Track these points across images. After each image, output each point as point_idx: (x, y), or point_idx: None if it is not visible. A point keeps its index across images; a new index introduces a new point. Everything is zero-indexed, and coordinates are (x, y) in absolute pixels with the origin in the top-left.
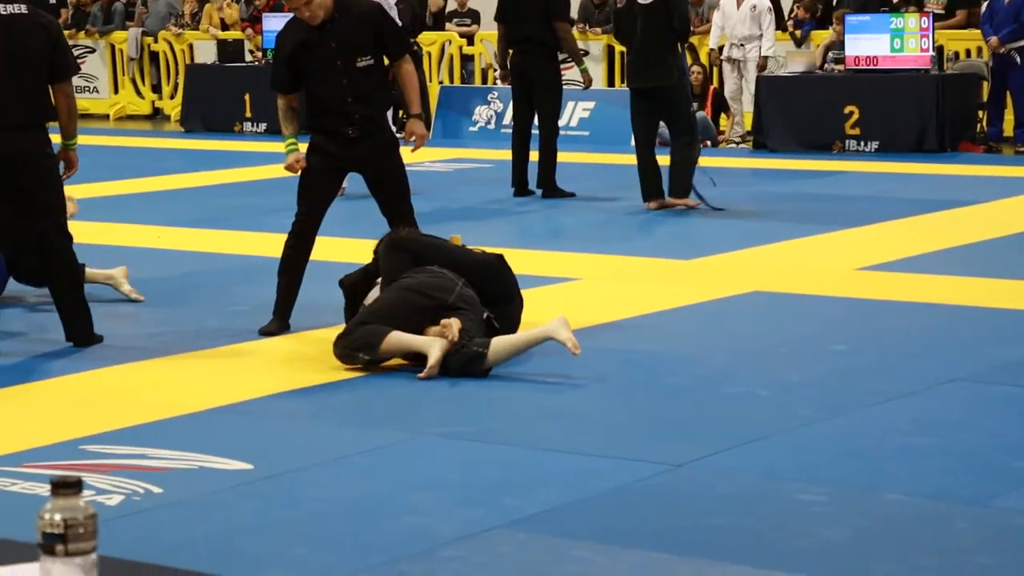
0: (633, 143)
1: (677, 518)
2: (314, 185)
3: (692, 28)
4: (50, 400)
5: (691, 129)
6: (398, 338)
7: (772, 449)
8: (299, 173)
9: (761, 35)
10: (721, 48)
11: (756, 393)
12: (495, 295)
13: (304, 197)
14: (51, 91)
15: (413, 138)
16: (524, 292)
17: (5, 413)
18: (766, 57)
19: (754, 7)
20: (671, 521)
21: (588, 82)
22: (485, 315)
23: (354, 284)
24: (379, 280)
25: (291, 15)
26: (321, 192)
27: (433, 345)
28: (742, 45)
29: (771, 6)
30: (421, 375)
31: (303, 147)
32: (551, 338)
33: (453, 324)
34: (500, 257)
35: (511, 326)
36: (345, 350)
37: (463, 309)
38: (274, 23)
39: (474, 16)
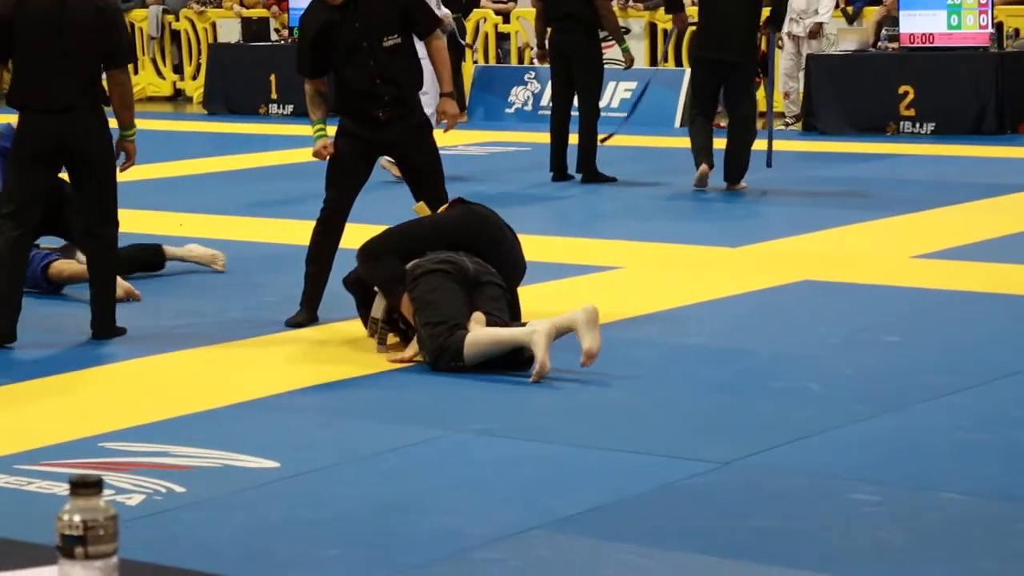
0: (688, 118)
1: (723, 518)
2: (343, 170)
3: None
4: (69, 395)
5: (754, 110)
6: (482, 337)
7: (823, 446)
8: (327, 159)
9: (817, 6)
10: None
11: (806, 387)
12: (482, 244)
13: (332, 183)
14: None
15: (445, 119)
16: (563, 282)
17: (22, 409)
18: (820, 24)
19: None
20: (717, 521)
21: (630, 62)
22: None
23: (359, 279)
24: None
25: None
26: (350, 177)
27: (534, 336)
28: (800, 19)
29: None
30: (534, 378)
31: (332, 131)
32: (572, 330)
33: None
34: (464, 205)
35: (512, 270)
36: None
37: (491, 282)
38: (300, 0)
39: None
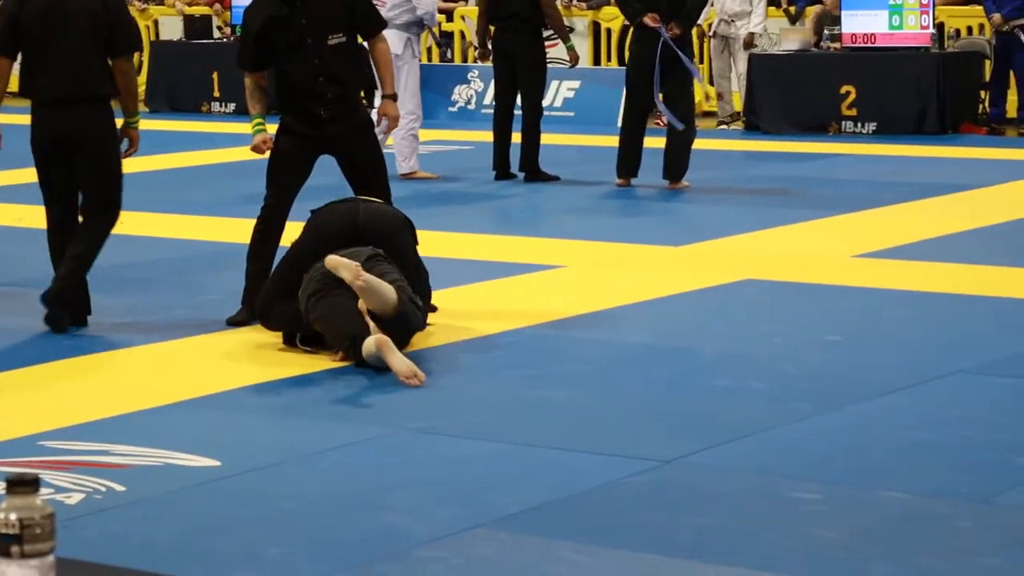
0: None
1: (665, 517)
2: (284, 168)
3: None
4: (7, 393)
5: (692, 109)
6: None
7: (765, 445)
8: (267, 155)
9: (751, 11)
10: (710, 26)
11: (749, 386)
12: (345, 234)
13: (273, 181)
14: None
15: (385, 120)
16: (505, 280)
17: None
18: (753, 34)
19: None
20: (659, 520)
21: (575, 60)
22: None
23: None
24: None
25: None
26: (291, 175)
27: (381, 352)
28: (732, 21)
29: None
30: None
31: (272, 128)
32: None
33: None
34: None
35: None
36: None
37: (373, 259)
38: None
39: None
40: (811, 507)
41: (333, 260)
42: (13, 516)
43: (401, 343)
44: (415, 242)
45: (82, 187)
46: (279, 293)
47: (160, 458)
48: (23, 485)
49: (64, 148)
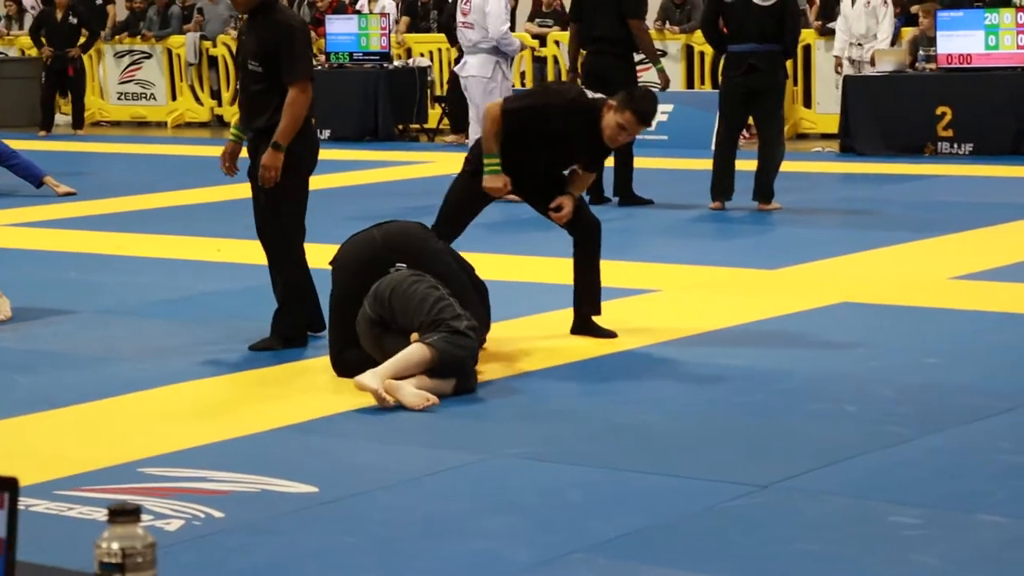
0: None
1: (763, 542)
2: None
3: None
4: (108, 421)
5: (781, 130)
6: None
7: (862, 469)
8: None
9: (877, 33)
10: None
11: (845, 410)
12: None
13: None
14: None
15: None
16: (600, 304)
17: (62, 434)
18: (879, 50)
19: (868, 2)
20: (756, 545)
21: (666, 83)
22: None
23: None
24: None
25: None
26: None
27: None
28: (860, 44)
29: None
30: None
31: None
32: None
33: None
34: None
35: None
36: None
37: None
38: (338, 25)
39: (557, 17)
40: (910, 532)
41: (358, 384)
42: (116, 545)
43: (464, 383)
44: (452, 255)
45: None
46: (342, 343)
47: (258, 484)
48: (125, 515)
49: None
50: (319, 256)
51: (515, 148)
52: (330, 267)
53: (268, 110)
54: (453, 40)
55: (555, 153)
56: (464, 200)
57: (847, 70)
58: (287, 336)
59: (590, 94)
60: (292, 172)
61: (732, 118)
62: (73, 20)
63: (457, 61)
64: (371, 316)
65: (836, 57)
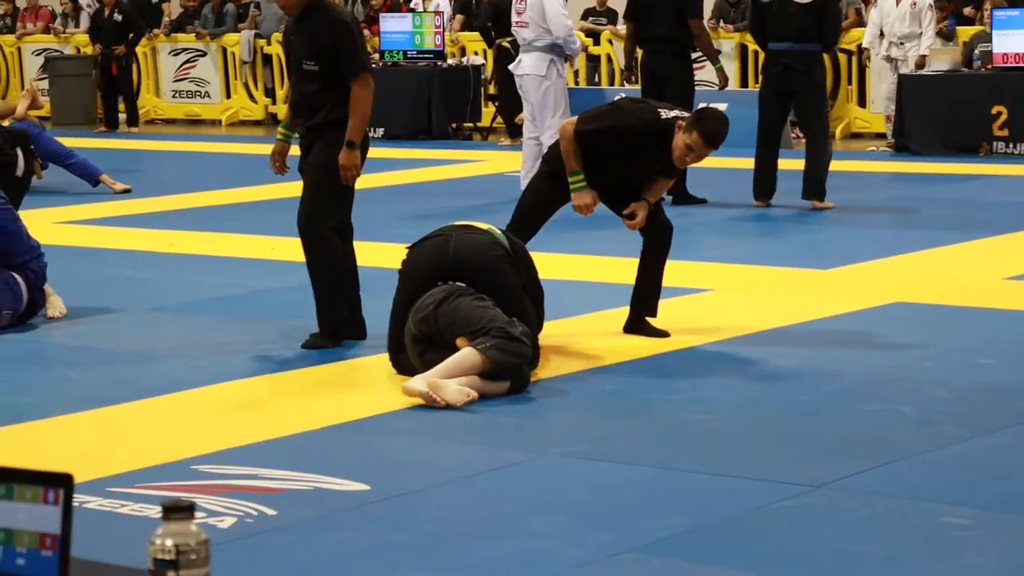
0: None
1: (815, 542)
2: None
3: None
4: (161, 418)
5: (826, 128)
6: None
7: (915, 469)
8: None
9: (921, 33)
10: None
11: (899, 410)
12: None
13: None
14: None
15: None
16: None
17: (115, 431)
18: (924, 56)
19: (914, 3)
20: (808, 545)
21: (724, 82)
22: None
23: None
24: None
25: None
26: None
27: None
28: (901, 44)
29: (932, 3)
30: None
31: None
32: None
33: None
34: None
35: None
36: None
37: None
38: (392, 23)
39: (611, 16)
40: (962, 532)
41: (406, 390)
42: (169, 542)
43: (519, 384)
44: (517, 270)
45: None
46: (399, 344)
47: (310, 482)
48: (178, 511)
49: None
50: (373, 255)
51: (589, 166)
52: (400, 267)
53: (325, 107)
54: (490, 41)
55: (628, 170)
56: (539, 200)
57: (886, 71)
58: (332, 331)
59: (664, 113)
60: (336, 169)
61: (771, 117)
62: (118, 17)
63: (497, 60)
64: (414, 333)
65: (865, 49)
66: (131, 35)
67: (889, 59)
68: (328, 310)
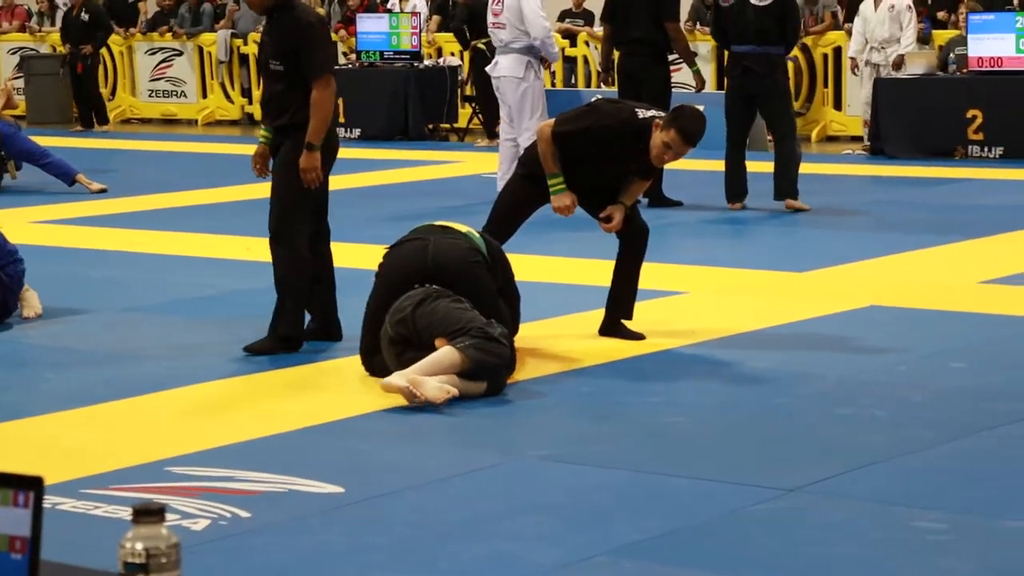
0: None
1: (789, 545)
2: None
3: (807, 29)
4: (135, 419)
5: (793, 127)
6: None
7: (889, 473)
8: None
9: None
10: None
11: (873, 414)
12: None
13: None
14: None
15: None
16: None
17: (89, 432)
18: (903, 56)
19: (892, 7)
20: (783, 549)
21: (701, 84)
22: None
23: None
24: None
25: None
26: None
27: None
28: (882, 48)
29: (910, 3)
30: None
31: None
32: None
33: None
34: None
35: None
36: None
37: (419, 305)
38: (369, 24)
39: (587, 17)
40: (937, 537)
41: (385, 386)
42: (140, 546)
43: (496, 385)
44: (495, 276)
45: None
46: (371, 348)
47: (284, 484)
48: (149, 515)
49: None
50: (349, 256)
51: (566, 167)
52: (376, 270)
53: (291, 108)
54: (465, 43)
55: (606, 171)
56: (516, 202)
57: (867, 75)
58: (282, 335)
59: (641, 113)
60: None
61: (736, 119)
62: (85, 17)
63: (472, 61)
64: (391, 334)
65: (852, 59)
66: (99, 34)
67: (869, 63)
68: (283, 314)
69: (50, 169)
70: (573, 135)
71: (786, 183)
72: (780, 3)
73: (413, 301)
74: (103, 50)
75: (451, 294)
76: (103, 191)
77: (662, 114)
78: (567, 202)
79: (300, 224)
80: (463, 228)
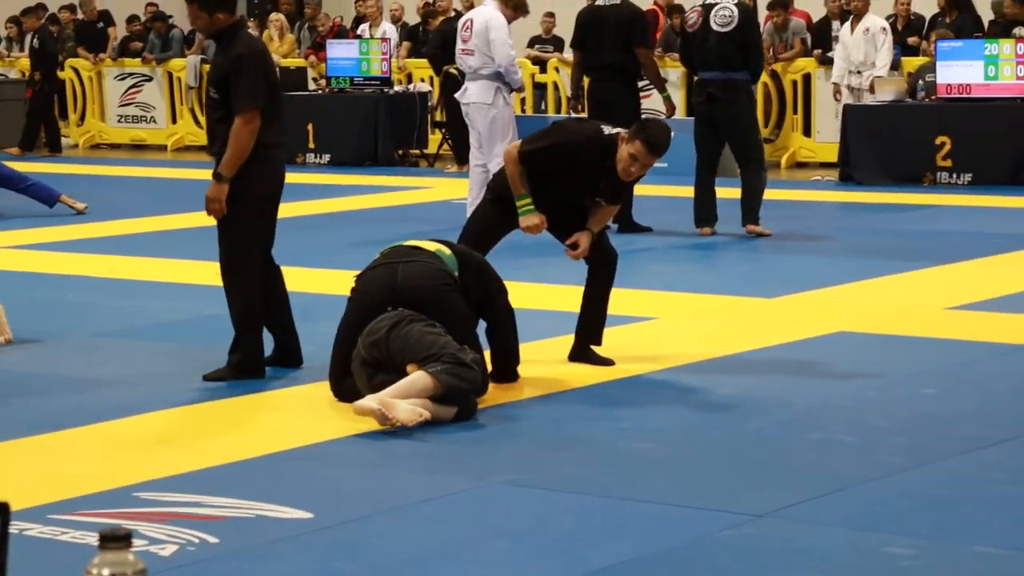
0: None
1: (758, 571)
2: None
3: (776, 56)
4: (103, 445)
5: (761, 153)
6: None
7: (858, 499)
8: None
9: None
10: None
11: (841, 439)
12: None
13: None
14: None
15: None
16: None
17: (57, 458)
18: (879, 78)
19: (867, 29)
20: (752, 574)
21: (671, 110)
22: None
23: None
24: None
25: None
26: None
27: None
28: (859, 72)
29: (885, 26)
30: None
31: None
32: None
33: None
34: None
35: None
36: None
37: (395, 328)
38: (339, 50)
39: (557, 43)
40: (905, 563)
41: (357, 409)
42: (106, 571)
43: (467, 410)
44: (469, 294)
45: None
46: (341, 372)
47: (253, 510)
48: (116, 540)
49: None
50: (319, 282)
51: (534, 187)
52: (349, 294)
53: (225, 137)
54: (437, 69)
55: (574, 190)
56: (485, 227)
57: (846, 98)
58: (240, 366)
59: (607, 130)
60: (240, 201)
61: (704, 145)
62: (36, 44)
63: (443, 87)
64: (364, 356)
65: (835, 84)
66: (48, 61)
67: (849, 88)
68: (240, 346)
69: (31, 192)
70: (540, 152)
71: (749, 211)
72: (742, 29)
73: (387, 324)
74: (72, 75)
75: (424, 318)
76: (85, 210)
77: (627, 130)
78: (535, 221)
79: (247, 253)
80: (432, 246)
